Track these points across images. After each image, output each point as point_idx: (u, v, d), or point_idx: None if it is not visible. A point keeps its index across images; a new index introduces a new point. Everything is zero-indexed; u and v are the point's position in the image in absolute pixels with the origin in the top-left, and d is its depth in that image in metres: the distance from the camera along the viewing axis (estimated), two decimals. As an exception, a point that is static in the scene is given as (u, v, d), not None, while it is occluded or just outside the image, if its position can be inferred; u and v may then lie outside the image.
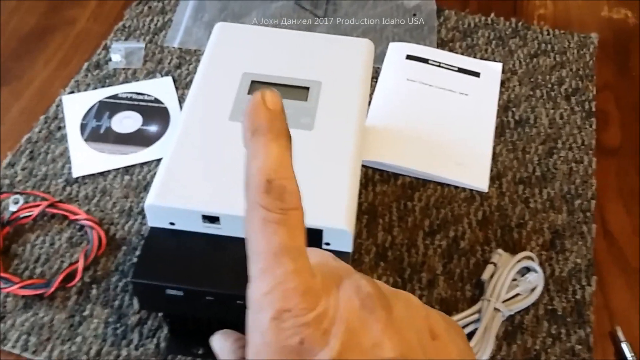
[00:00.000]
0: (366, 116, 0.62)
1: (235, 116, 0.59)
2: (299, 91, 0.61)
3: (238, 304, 0.52)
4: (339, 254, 0.53)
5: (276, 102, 0.31)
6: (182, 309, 0.54)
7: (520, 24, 0.94)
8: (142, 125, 0.78)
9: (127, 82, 0.83)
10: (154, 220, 0.54)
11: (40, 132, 0.78)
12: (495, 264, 0.66)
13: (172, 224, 0.54)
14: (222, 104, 0.60)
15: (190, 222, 0.54)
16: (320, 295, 0.30)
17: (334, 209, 0.53)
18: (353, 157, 0.57)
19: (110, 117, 0.79)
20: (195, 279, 0.52)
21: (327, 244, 0.53)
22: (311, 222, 0.51)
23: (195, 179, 0.54)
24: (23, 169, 0.74)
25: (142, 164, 0.75)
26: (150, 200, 0.53)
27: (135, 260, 0.67)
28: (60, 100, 0.81)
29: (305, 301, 0.29)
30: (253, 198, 0.30)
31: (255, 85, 0.62)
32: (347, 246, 0.54)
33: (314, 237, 0.53)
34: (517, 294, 0.64)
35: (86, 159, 0.75)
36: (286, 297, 0.29)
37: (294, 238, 0.30)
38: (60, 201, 0.71)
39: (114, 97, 0.81)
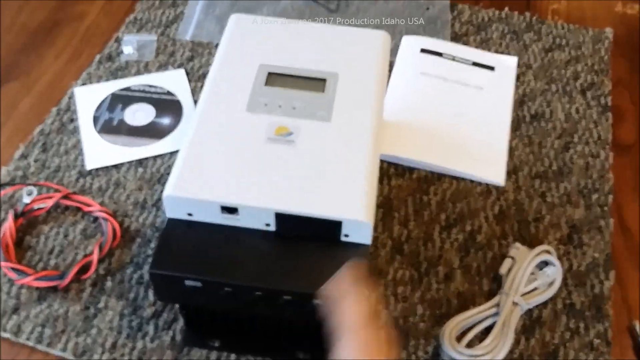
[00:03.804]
0: (383, 108, 0.62)
1: (252, 107, 0.58)
2: (316, 83, 0.61)
3: (256, 295, 0.51)
4: (357, 246, 0.53)
5: None
6: (200, 300, 0.53)
7: (534, 18, 0.93)
8: (155, 117, 0.78)
9: (139, 74, 0.83)
10: (171, 211, 0.54)
11: (52, 124, 0.77)
12: (513, 258, 0.65)
13: (189, 215, 0.54)
14: (238, 96, 0.59)
15: (209, 213, 0.53)
16: None
17: (353, 200, 0.53)
18: (371, 148, 0.56)
19: (123, 109, 0.79)
20: (214, 270, 0.51)
21: (346, 235, 0.53)
22: (330, 213, 0.51)
23: (214, 170, 0.54)
24: (36, 161, 0.74)
25: (156, 157, 0.75)
26: (169, 191, 0.53)
27: (151, 251, 0.67)
28: (72, 92, 0.81)
29: None
30: None
31: (272, 76, 0.61)
32: (366, 238, 0.53)
33: (333, 229, 0.52)
34: (535, 288, 0.64)
35: (99, 151, 0.75)
36: None
37: None
38: (74, 193, 0.70)
39: (127, 89, 0.81)
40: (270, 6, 0.93)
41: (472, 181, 0.74)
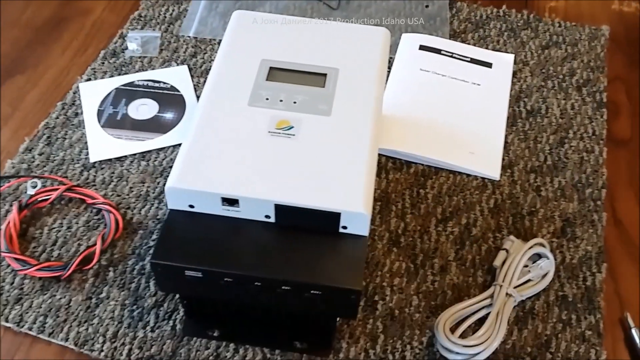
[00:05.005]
0: (382, 103, 0.63)
1: (254, 102, 0.59)
2: (317, 78, 0.62)
3: (255, 285, 0.53)
4: (355, 237, 0.54)
5: None
6: (201, 290, 0.54)
7: (531, 16, 0.94)
8: (158, 112, 0.79)
9: (143, 70, 0.84)
10: (173, 203, 0.55)
11: (57, 118, 0.79)
12: (507, 250, 0.66)
13: (191, 206, 0.55)
14: (241, 90, 0.61)
15: (210, 204, 0.54)
16: None
17: (351, 193, 0.54)
18: (370, 142, 0.57)
19: (126, 104, 0.80)
20: (214, 260, 0.53)
21: (344, 227, 0.54)
22: (329, 205, 0.53)
23: (215, 162, 0.55)
24: (40, 154, 0.75)
25: (159, 150, 0.76)
26: (171, 182, 0.54)
27: (152, 243, 0.68)
28: (77, 87, 0.82)
29: None
30: None
31: (273, 71, 0.62)
32: (364, 230, 0.54)
33: (332, 221, 0.54)
34: (529, 280, 0.65)
35: (103, 144, 0.76)
36: None
37: None
38: (78, 185, 0.72)
39: (131, 84, 0.82)
40: (272, 4, 0.94)
41: (468, 175, 0.75)
